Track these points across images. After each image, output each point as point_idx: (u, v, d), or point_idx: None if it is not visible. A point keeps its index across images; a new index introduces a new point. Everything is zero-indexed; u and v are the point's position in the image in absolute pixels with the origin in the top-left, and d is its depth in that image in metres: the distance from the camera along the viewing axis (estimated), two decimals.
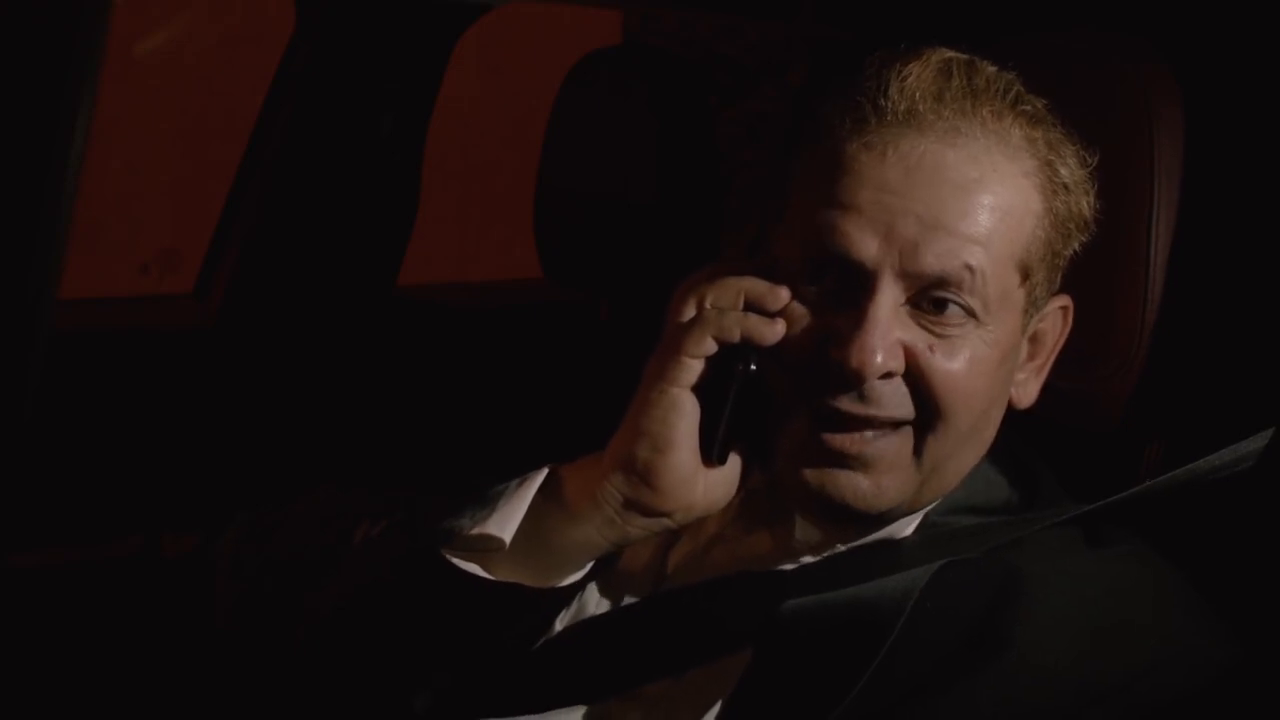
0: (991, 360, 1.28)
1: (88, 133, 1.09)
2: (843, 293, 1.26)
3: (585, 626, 1.36)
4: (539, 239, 2.08)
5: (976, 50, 1.31)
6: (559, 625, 1.36)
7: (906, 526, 1.34)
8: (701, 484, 1.30)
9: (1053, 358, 1.36)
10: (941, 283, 1.25)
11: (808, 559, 1.34)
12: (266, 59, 2.49)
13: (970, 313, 1.26)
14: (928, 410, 1.27)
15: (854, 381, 1.24)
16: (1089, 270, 1.34)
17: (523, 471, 1.35)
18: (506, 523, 1.30)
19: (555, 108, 2.07)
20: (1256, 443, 1.34)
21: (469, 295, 3.00)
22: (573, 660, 1.34)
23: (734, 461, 1.31)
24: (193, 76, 3.92)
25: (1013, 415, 1.35)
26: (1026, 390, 1.35)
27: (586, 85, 2.05)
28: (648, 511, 1.29)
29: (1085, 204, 1.31)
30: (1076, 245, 1.32)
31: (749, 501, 1.37)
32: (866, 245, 1.24)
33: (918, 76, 1.26)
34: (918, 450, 1.28)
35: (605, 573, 1.37)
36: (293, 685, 1.39)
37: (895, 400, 1.26)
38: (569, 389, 1.52)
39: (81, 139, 1.09)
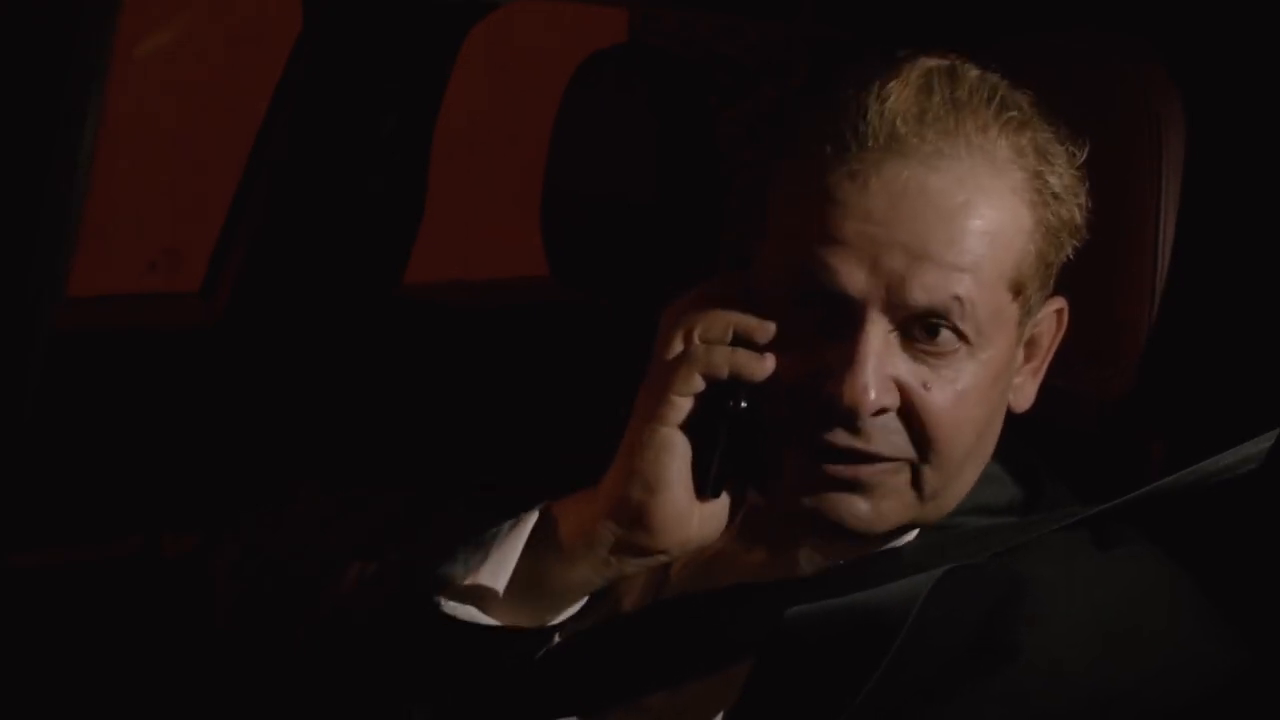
0: (986, 382, 1.27)
1: (96, 131, 1.09)
2: (832, 324, 1.25)
3: (585, 638, 1.35)
4: (545, 238, 2.08)
5: (976, 50, 1.30)
6: (557, 638, 1.35)
7: (909, 532, 1.33)
8: (696, 520, 1.29)
9: (1049, 359, 1.35)
10: (930, 314, 1.24)
11: (809, 572, 1.33)
12: (272, 58, 2.49)
13: (962, 337, 1.25)
14: (923, 447, 1.26)
15: (849, 419, 1.23)
16: (1095, 270, 1.33)
17: (525, 473, 1.35)
18: (499, 570, 1.30)
19: (561, 107, 2.07)
20: (1262, 444, 1.34)
21: (474, 294, 3.00)
22: (573, 672, 1.34)
23: (729, 495, 1.31)
24: (199, 75, 3.92)
25: (1017, 415, 1.35)
26: (1024, 393, 1.34)
27: (590, 85, 2.05)
28: (643, 552, 1.29)
29: (1077, 209, 1.30)
30: (1069, 251, 1.31)
31: (749, 518, 1.36)
32: (854, 278, 1.23)
33: (897, 97, 1.24)
34: (915, 482, 1.27)
35: (605, 588, 1.36)
36: (292, 688, 1.39)
37: (889, 437, 1.25)
38: (574, 387, 1.52)
39: (91, 137, 1.09)
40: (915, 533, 1.33)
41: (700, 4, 2.35)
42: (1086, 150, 1.30)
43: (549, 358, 1.85)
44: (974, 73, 1.28)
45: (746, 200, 1.34)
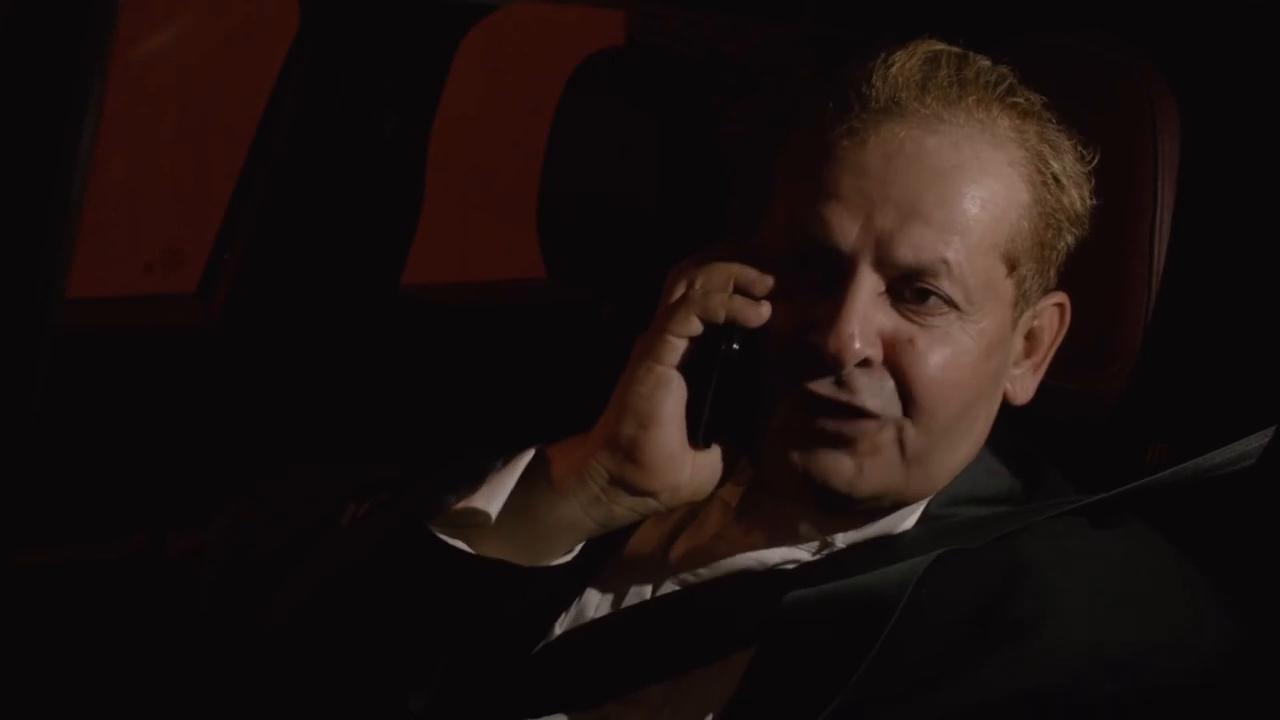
0: (975, 352, 1.28)
1: (95, 132, 1.09)
2: (825, 279, 1.26)
3: (586, 629, 1.36)
4: (542, 239, 2.08)
5: (977, 50, 1.30)
6: (559, 628, 1.36)
7: (907, 519, 1.34)
8: (688, 465, 1.30)
9: (1050, 355, 1.36)
10: (918, 273, 1.25)
11: (809, 556, 1.34)
12: (271, 58, 2.49)
13: (951, 303, 1.26)
14: (907, 404, 1.27)
15: (832, 367, 1.24)
16: (1093, 269, 1.34)
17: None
18: (493, 498, 1.30)
19: (558, 108, 2.07)
20: (1256, 441, 1.34)
21: (472, 295, 3.00)
22: (573, 663, 1.34)
23: (721, 444, 1.31)
24: (196, 76, 3.92)
25: (1017, 413, 1.35)
26: (1023, 386, 1.35)
27: (589, 85, 2.05)
28: (633, 489, 1.29)
29: (1079, 198, 1.31)
30: (1070, 240, 1.31)
31: (748, 500, 1.37)
32: (845, 233, 1.24)
33: (902, 66, 1.26)
34: (899, 440, 1.28)
35: (605, 574, 1.37)
36: (283, 675, 1.38)
37: (873, 391, 1.26)
38: (571, 388, 1.52)
39: (90, 139, 1.09)
40: (914, 520, 1.34)
41: (702, 3, 2.35)
42: (1096, 157, 1.31)
43: (544, 359, 1.85)
44: (984, 62, 1.30)
45: (749, 200, 1.35)
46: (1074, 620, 1.23)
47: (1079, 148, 1.31)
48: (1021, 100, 1.28)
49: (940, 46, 1.29)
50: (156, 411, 2.36)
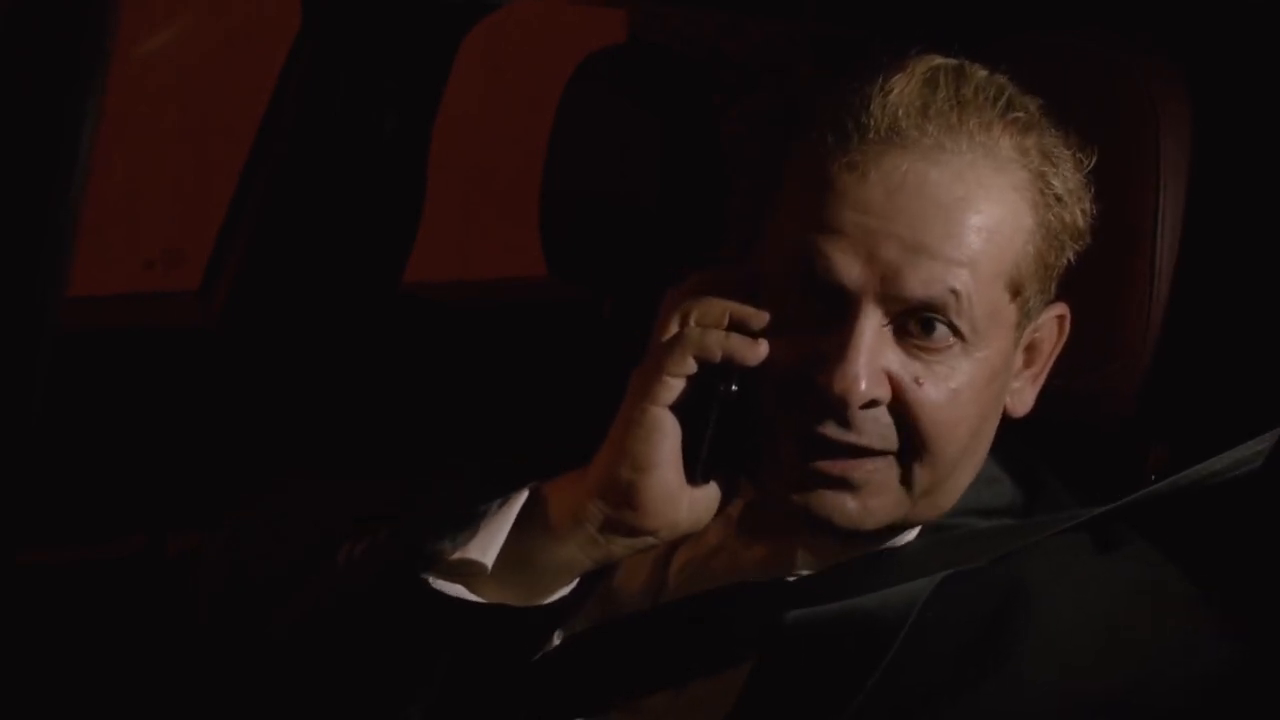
0: (980, 381, 1.26)
1: (95, 131, 1.09)
2: (827, 314, 1.24)
3: (584, 639, 1.35)
4: (544, 236, 2.08)
5: (978, 48, 1.30)
6: (557, 639, 1.35)
7: (909, 533, 1.33)
8: (685, 503, 1.28)
9: (1049, 365, 1.35)
10: (926, 307, 1.23)
11: (809, 569, 1.33)
12: (271, 58, 2.49)
13: (958, 333, 1.24)
14: (914, 442, 1.25)
15: (838, 408, 1.23)
16: (1094, 271, 1.33)
17: (525, 471, 1.34)
18: (488, 546, 1.29)
19: (560, 105, 2.07)
20: (1258, 446, 1.34)
21: (473, 292, 3.00)
22: (571, 674, 1.34)
23: (719, 482, 1.30)
24: (196, 76, 3.92)
25: (1017, 416, 1.35)
26: (1022, 399, 1.34)
27: (590, 83, 2.05)
28: (630, 531, 1.28)
29: (1080, 213, 1.29)
30: (1071, 255, 1.30)
31: (748, 512, 1.36)
32: (848, 269, 1.22)
33: (901, 91, 1.24)
34: (905, 478, 1.27)
35: (604, 586, 1.37)
36: (282, 683, 1.38)
37: (879, 430, 1.25)
38: (573, 386, 1.52)
39: (89, 137, 1.09)
40: (915, 533, 1.33)
41: (702, 1, 2.34)
42: (1094, 159, 1.30)
43: (546, 357, 1.85)
44: (981, 73, 1.28)
45: (750, 195, 1.34)
46: (1070, 654, 1.22)
47: (1076, 154, 1.29)
48: (1021, 114, 1.27)
49: (937, 61, 1.26)
50: (157, 411, 2.36)
